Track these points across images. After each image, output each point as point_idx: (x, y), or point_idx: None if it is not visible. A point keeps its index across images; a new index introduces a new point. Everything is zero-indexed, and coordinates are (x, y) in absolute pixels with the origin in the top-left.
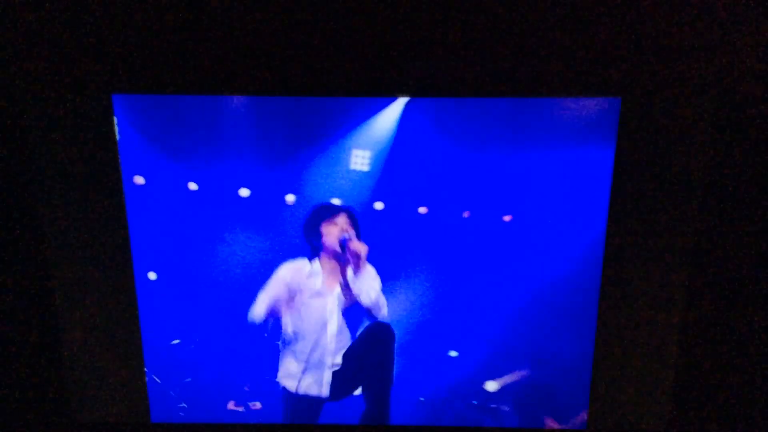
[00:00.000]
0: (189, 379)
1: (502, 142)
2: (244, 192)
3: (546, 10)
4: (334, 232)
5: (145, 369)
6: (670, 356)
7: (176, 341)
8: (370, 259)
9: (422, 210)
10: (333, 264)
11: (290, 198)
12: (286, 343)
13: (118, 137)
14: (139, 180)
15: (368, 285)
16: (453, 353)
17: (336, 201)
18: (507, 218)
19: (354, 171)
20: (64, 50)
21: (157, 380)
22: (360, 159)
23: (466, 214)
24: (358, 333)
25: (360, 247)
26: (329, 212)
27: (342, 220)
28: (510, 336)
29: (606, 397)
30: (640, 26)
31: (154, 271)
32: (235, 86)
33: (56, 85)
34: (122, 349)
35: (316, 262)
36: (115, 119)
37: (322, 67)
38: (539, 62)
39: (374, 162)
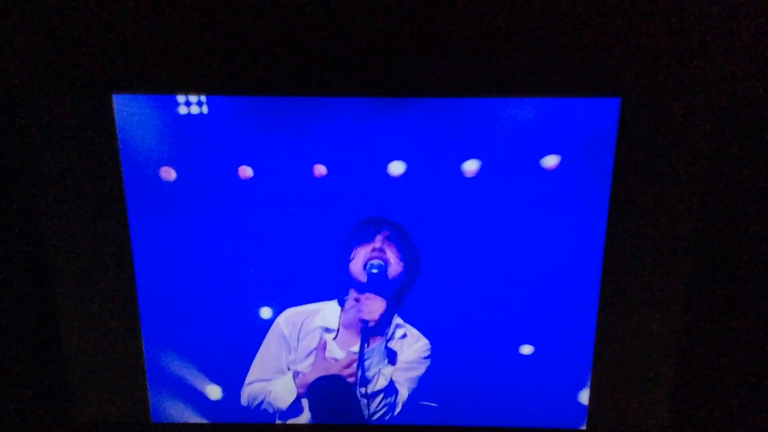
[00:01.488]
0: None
1: (497, 143)
2: (397, 167)
3: (545, 9)
4: (364, 255)
5: (146, 369)
6: (670, 356)
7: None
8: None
9: None
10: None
11: (472, 165)
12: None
13: (207, 110)
14: (247, 172)
15: (379, 361)
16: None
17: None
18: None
19: None
20: (64, 50)
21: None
22: None
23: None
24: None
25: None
26: (365, 229)
27: (379, 239)
28: (508, 335)
29: (606, 397)
30: (641, 26)
31: (270, 307)
32: (235, 86)
33: (56, 84)
34: (122, 349)
35: (334, 309)
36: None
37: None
38: (539, 62)
39: None
